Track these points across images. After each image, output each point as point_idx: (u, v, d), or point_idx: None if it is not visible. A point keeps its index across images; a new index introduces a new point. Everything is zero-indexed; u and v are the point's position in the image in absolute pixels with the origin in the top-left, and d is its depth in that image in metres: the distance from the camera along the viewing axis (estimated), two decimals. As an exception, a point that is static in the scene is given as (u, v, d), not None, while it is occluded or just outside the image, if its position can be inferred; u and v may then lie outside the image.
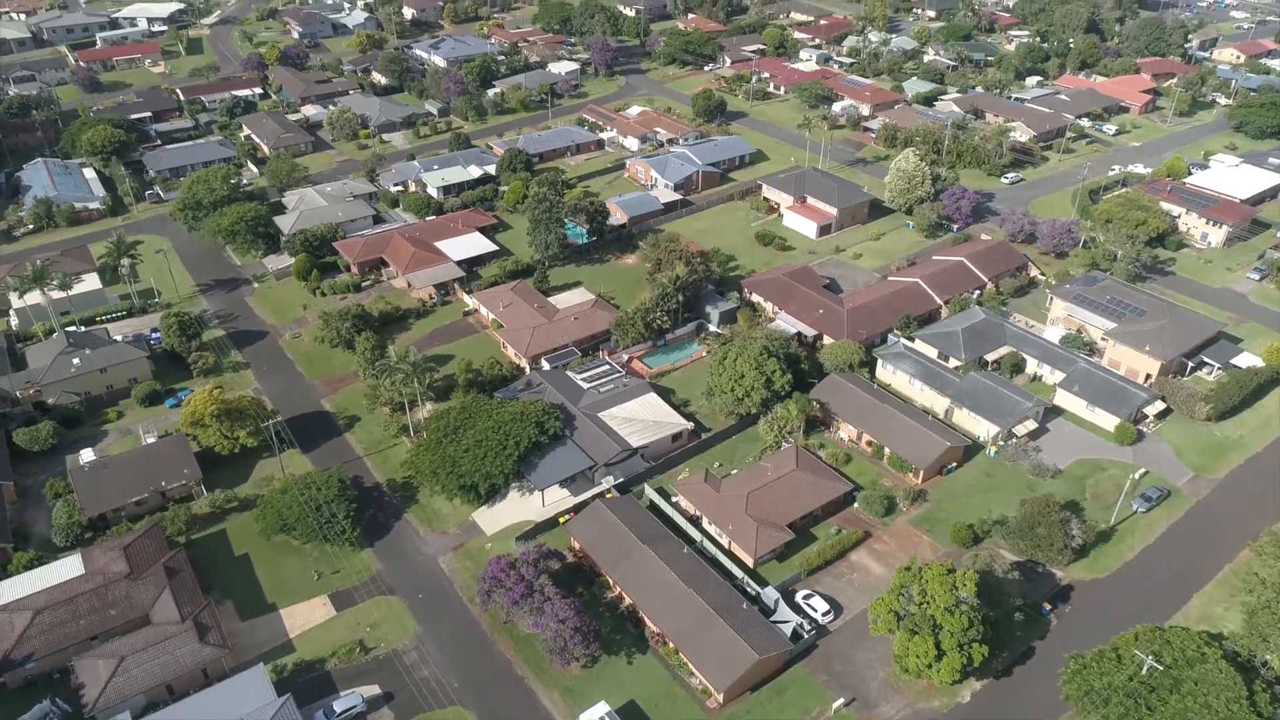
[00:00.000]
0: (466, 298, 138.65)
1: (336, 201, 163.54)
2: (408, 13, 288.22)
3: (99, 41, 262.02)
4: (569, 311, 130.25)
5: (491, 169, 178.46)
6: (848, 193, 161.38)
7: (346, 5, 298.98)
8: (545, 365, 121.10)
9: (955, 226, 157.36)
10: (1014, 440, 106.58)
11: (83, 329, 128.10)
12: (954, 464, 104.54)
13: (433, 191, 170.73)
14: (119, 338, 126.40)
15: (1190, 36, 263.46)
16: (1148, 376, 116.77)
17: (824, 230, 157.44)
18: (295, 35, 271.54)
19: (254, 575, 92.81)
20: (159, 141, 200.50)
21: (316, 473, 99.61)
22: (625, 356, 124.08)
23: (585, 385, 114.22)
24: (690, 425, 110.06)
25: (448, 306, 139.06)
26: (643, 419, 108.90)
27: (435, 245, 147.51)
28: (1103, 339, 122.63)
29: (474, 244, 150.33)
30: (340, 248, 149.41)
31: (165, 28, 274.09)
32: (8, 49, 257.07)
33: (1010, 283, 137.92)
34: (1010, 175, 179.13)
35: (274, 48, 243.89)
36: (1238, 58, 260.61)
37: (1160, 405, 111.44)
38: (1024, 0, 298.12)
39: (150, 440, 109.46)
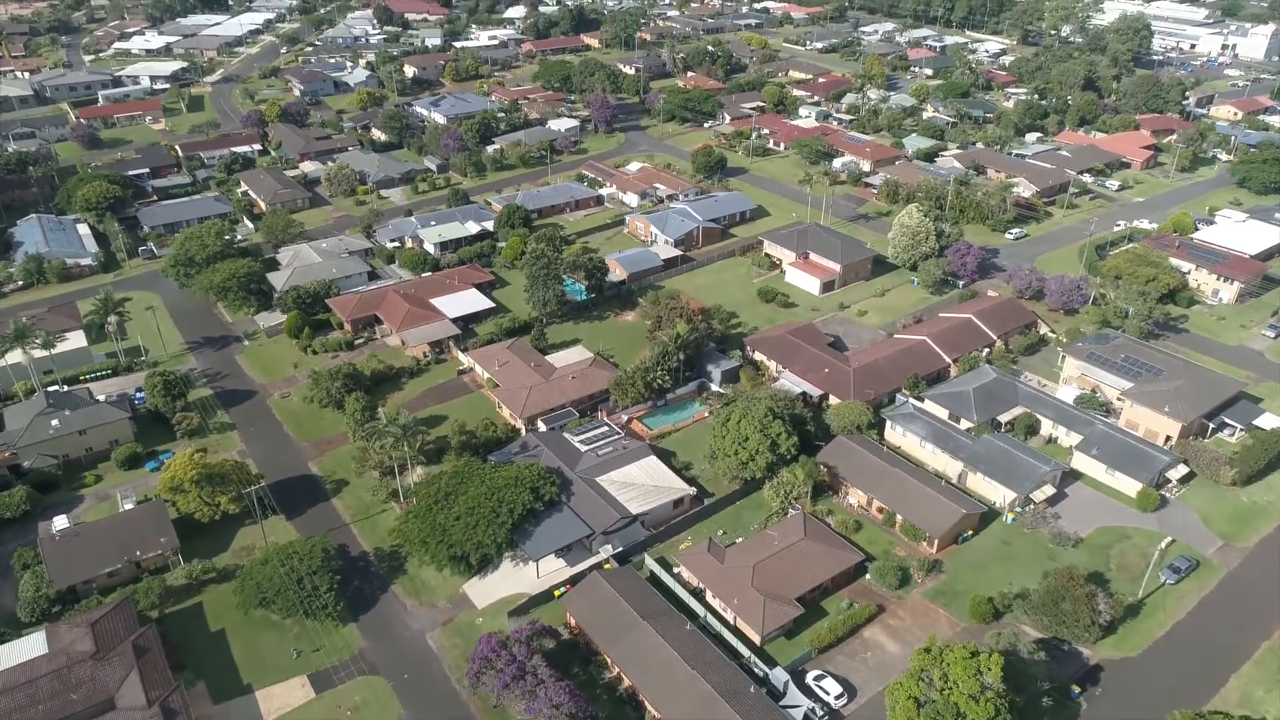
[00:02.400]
0: (461, 356, 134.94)
1: (331, 258, 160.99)
2: (409, 71, 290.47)
3: (101, 99, 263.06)
4: (567, 370, 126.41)
5: (489, 225, 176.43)
6: (851, 249, 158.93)
7: (348, 64, 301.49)
8: (542, 426, 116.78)
9: (961, 283, 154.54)
10: (1032, 506, 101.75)
11: (64, 388, 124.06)
12: (969, 532, 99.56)
13: (429, 247, 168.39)
14: (102, 397, 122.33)
15: (1187, 93, 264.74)
16: (1168, 438, 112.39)
17: (827, 287, 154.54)
18: (296, 93, 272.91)
19: (229, 653, 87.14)
20: (155, 197, 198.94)
21: (299, 542, 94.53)
22: (624, 417, 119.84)
23: (583, 448, 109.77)
24: (692, 490, 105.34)
25: (442, 365, 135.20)
26: (643, 484, 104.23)
27: (430, 302, 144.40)
28: (1119, 399, 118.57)
29: (470, 301, 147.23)
30: (333, 305, 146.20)
31: (167, 85, 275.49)
32: (10, 106, 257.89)
33: (1020, 340, 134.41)
34: (1015, 231, 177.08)
35: (274, 105, 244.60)
36: (1235, 114, 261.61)
37: (1183, 469, 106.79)
38: (1020, 59, 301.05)
39: (128, 506, 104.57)
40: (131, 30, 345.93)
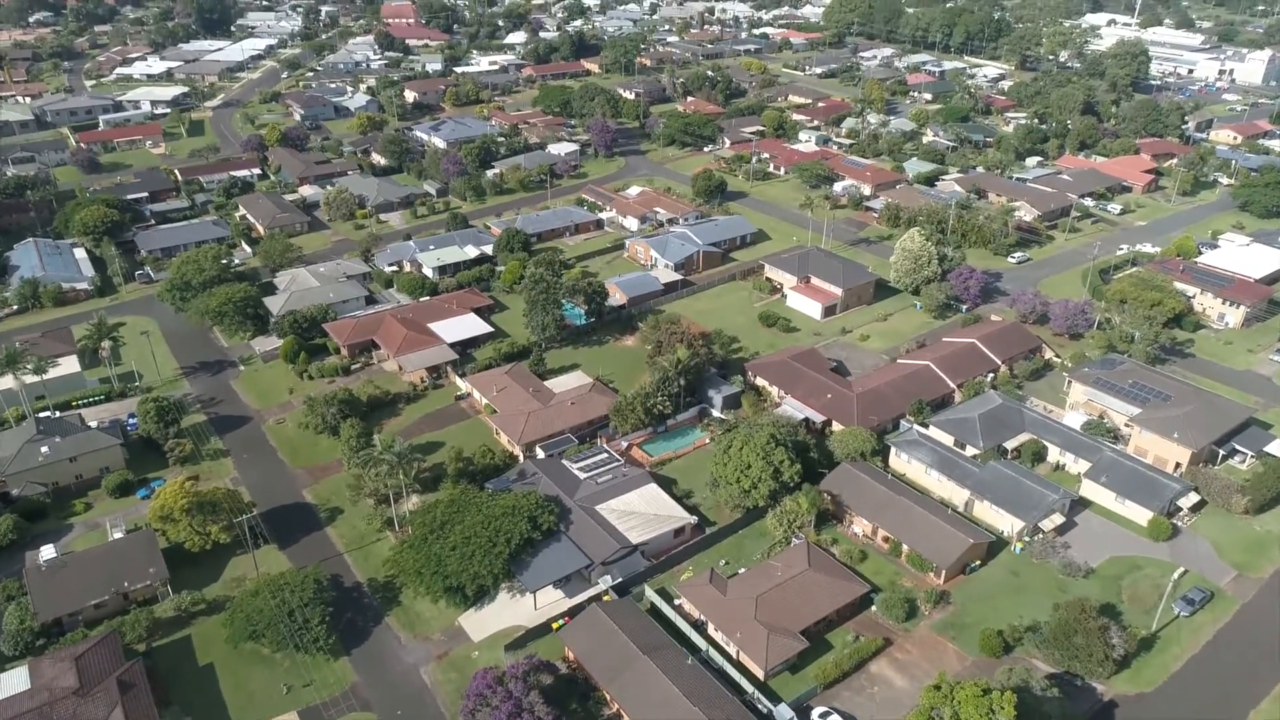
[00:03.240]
0: (459, 381, 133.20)
1: (329, 282, 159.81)
2: (409, 96, 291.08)
3: (101, 123, 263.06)
4: (566, 396, 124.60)
5: (488, 249, 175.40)
6: (852, 273, 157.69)
7: (349, 89, 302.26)
8: (540, 453, 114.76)
9: (964, 307, 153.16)
10: (1041, 536, 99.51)
11: (56, 414, 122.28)
12: (977, 562, 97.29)
13: (428, 272, 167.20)
14: (93, 424, 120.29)
15: (1186, 118, 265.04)
16: (1177, 465, 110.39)
17: (829, 311, 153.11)
18: (297, 117, 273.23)
19: (218, 689, 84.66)
20: (153, 221, 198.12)
21: (291, 573, 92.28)
22: (624, 443, 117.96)
23: (582, 475, 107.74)
24: (693, 519, 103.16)
25: (440, 390, 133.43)
26: (643, 512, 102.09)
27: (428, 327, 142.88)
28: (1127, 425, 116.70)
29: (468, 325, 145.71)
30: (330, 329, 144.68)
31: (168, 110, 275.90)
32: (10, 130, 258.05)
33: (1025, 366, 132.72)
34: (1017, 255, 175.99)
35: (275, 129, 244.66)
36: (1235, 139, 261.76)
37: (1194, 497, 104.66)
38: (1019, 84, 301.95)
39: (117, 535, 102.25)
40: (134, 56, 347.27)
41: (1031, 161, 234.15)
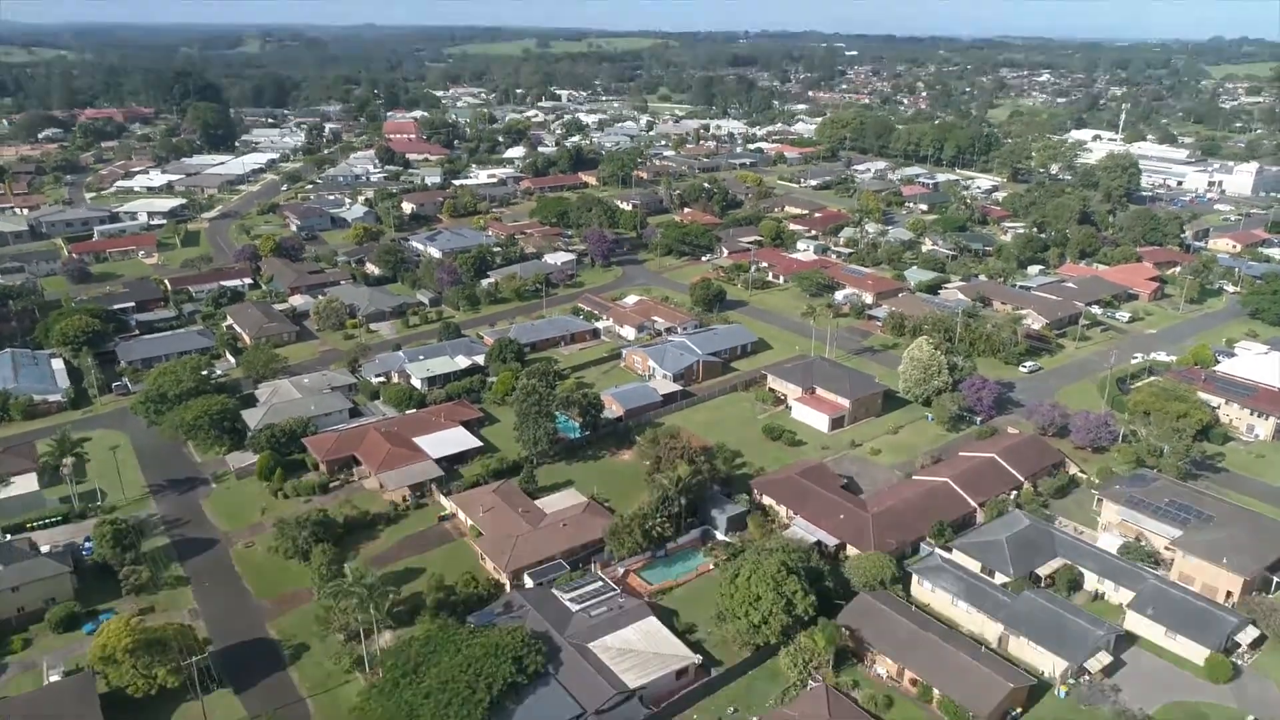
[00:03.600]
0: (444, 500, 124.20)
1: (311, 394, 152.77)
2: (407, 208, 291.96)
3: (96, 234, 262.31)
4: (558, 516, 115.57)
5: (480, 359, 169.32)
6: (860, 383, 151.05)
7: (347, 200, 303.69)
8: (529, 581, 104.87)
9: (978, 419, 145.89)
10: (1087, 678, 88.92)
11: (6, 538, 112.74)
12: (1018, 709, 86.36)
13: (416, 383, 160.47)
14: (45, 548, 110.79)
15: (1185, 227, 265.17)
16: (1228, 594, 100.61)
17: (836, 423, 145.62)
18: (293, 228, 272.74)
19: None
20: (137, 331, 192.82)
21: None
22: (620, 570, 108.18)
23: (574, 608, 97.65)
24: (698, 659, 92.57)
25: (422, 510, 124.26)
26: (641, 650, 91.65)
27: (413, 441, 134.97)
28: (1168, 549, 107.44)
29: (456, 439, 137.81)
30: (309, 444, 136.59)
31: (164, 221, 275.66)
32: (4, 241, 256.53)
33: (1049, 482, 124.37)
34: (1028, 364, 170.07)
35: (269, 239, 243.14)
36: (1234, 247, 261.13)
37: (1253, 631, 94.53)
38: (1013, 195, 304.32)
39: (54, 678, 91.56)
40: (136, 170, 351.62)
41: (1033, 270, 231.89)
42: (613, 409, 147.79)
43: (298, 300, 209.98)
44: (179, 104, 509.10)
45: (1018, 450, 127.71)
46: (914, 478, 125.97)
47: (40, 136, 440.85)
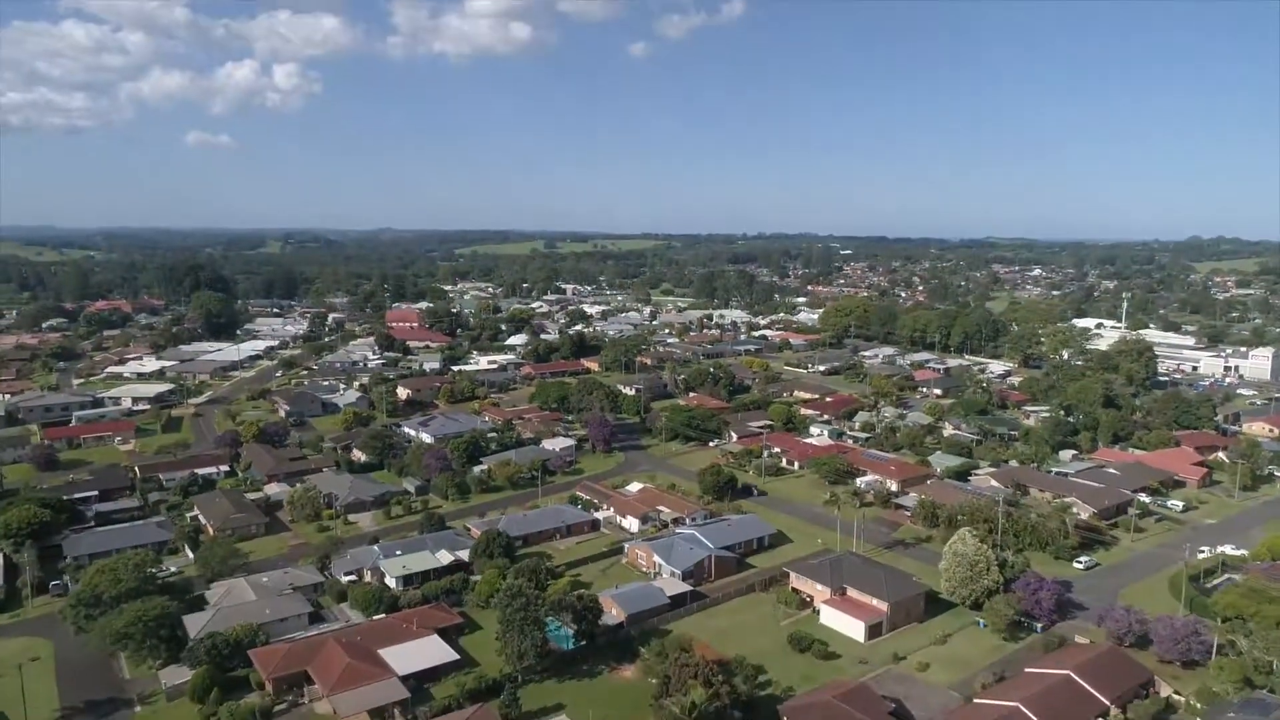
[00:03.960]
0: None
1: (269, 595, 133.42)
2: (402, 393, 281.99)
3: (75, 420, 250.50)
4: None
5: (465, 554, 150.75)
6: (898, 583, 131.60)
7: (341, 386, 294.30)
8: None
9: (1039, 625, 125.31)
10: None
11: None
12: None
13: (390, 582, 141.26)
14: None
15: (1217, 409, 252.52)
16: None
17: (874, 631, 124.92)
18: (282, 414, 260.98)
19: None
20: (92, 523, 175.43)
21: None
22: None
23: None
24: None
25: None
26: None
27: (378, 654, 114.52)
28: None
29: (429, 651, 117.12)
30: (255, 657, 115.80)
31: (148, 406, 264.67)
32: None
33: (1141, 707, 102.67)
34: (1083, 559, 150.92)
35: (252, 425, 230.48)
36: (1271, 430, 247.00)
37: None
38: (1029, 379, 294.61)
39: None
40: (131, 356, 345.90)
41: (1066, 455, 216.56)
42: (613, 613, 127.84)
43: (273, 489, 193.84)
44: (188, 295, 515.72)
45: (1097, 666, 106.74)
46: (976, 702, 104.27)
47: (44, 326, 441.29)
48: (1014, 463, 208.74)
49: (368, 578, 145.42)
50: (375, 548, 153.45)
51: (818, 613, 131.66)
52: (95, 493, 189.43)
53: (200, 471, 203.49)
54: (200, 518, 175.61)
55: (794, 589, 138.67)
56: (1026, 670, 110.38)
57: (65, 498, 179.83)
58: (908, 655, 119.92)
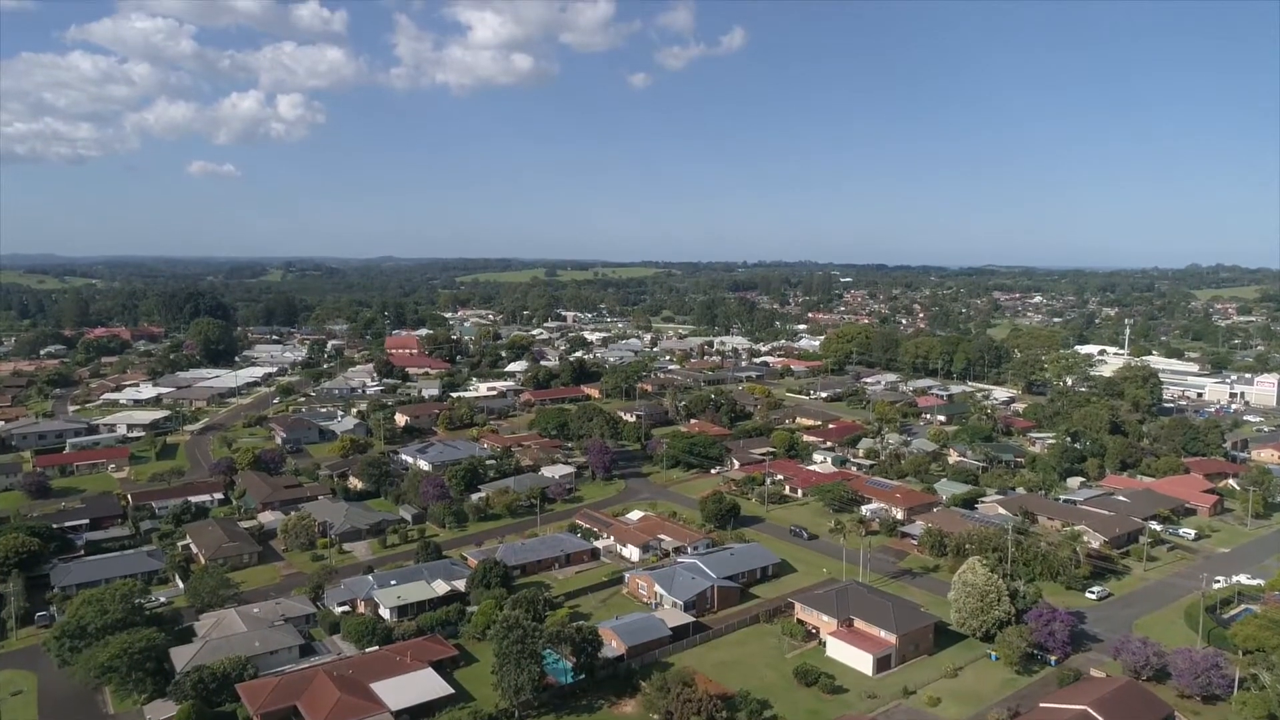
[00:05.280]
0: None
1: (259, 627, 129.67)
2: (400, 420, 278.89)
3: (68, 446, 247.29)
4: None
5: (462, 584, 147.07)
6: (906, 614, 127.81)
7: (339, 413, 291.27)
8: None
9: (1053, 658, 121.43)
10: None
11: None
12: None
13: (385, 612, 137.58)
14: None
15: (1225, 436, 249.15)
16: None
17: (882, 664, 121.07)
18: (279, 441, 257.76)
19: None
20: (82, 552, 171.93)
21: None
22: None
23: None
24: None
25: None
26: None
27: (370, 688, 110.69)
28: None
29: (423, 686, 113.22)
30: (243, 691, 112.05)
31: (143, 433, 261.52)
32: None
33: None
34: (1096, 589, 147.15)
35: (248, 451, 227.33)
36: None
37: None
38: (1034, 405, 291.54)
39: None
40: (127, 383, 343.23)
41: (1074, 482, 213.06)
42: (613, 645, 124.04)
43: (267, 517, 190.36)
44: (188, 322, 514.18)
45: (1116, 702, 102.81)
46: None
47: (42, 353, 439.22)
48: (1021, 490, 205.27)
49: (361, 608, 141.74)
50: (370, 577, 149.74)
51: (824, 645, 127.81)
52: (86, 521, 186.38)
53: (194, 499, 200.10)
54: (192, 546, 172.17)
55: (799, 620, 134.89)
56: (1042, 705, 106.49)
57: (55, 526, 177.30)
58: (918, 689, 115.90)
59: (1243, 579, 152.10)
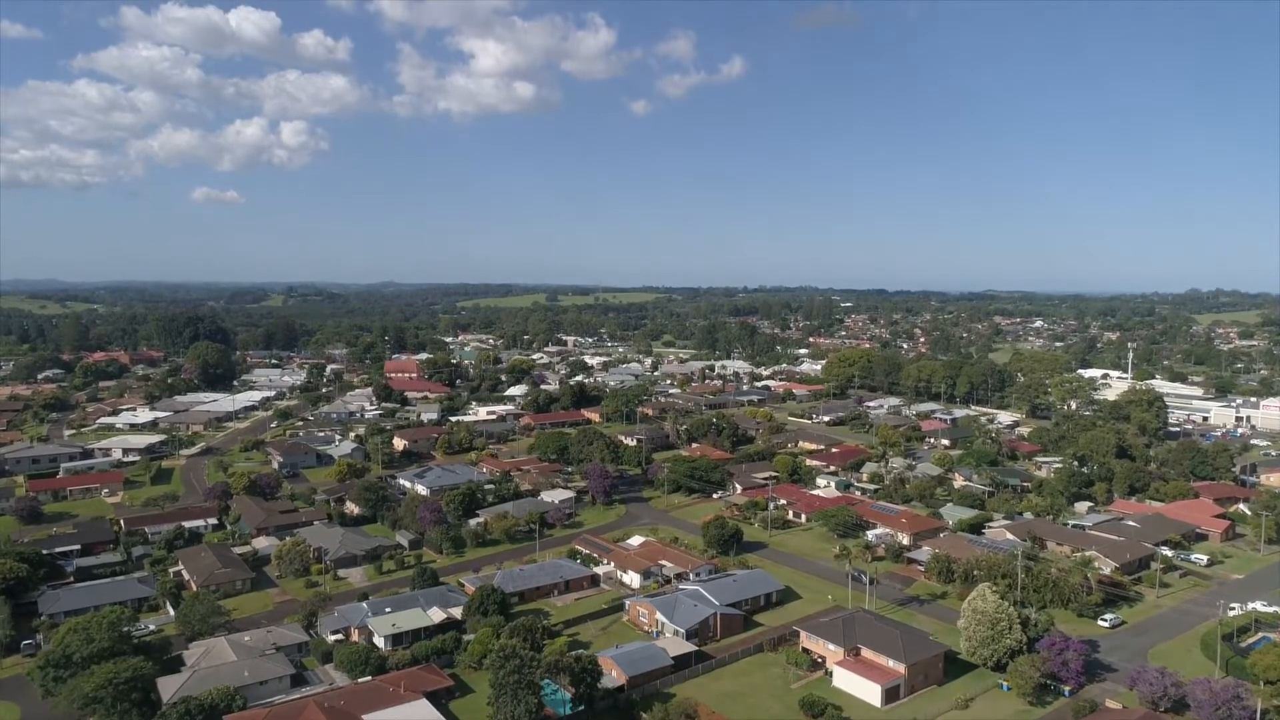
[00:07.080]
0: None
1: (249, 656, 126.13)
2: (399, 444, 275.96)
3: (62, 471, 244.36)
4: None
5: (458, 611, 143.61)
6: (915, 642, 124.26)
7: (337, 437, 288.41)
8: None
9: (1067, 689, 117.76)
10: None
11: None
12: None
13: (379, 641, 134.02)
14: None
15: (1235, 460, 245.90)
16: None
17: (891, 695, 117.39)
18: (275, 465, 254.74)
19: None
20: (72, 579, 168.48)
21: None
22: None
23: None
24: None
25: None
26: None
27: (361, 719, 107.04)
28: None
29: (416, 717, 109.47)
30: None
31: (138, 457, 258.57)
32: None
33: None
34: (1108, 617, 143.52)
35: (243, 476, 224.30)
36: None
37: None
38: (1039, 429, 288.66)
39: None
40: (124, 406, 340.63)
41: (1082, 507, 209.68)
42: (613, 675, 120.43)
43: (262, 542, 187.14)
44: (187, 346, 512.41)
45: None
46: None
47: (40, 377, 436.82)
48: (1029, 515, 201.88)
49: (355, 637, 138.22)
50: (364, 605, 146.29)
51: (830, 674, 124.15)
52: (77, 546, 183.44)
53: (188, 524, 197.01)
54: (184, 572, 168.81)
55: (804, 649, 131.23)
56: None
57: (45, 552, 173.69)
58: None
59: (1259, 606, 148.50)
